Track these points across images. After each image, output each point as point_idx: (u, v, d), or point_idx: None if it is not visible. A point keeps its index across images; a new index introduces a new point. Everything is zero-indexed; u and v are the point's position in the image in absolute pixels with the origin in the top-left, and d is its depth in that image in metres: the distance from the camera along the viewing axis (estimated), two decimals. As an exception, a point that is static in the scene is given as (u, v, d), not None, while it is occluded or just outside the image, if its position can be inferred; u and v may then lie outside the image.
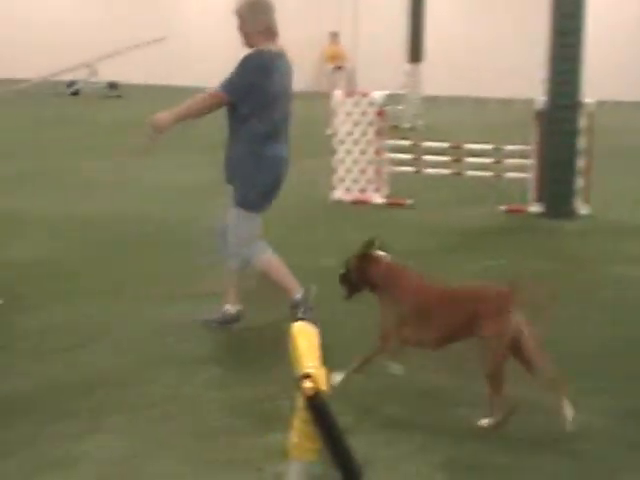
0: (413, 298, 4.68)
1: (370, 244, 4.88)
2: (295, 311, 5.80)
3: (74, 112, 18.94)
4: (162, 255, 7.71)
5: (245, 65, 5.64)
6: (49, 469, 3.97)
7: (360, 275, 4.83)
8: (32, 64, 24.18)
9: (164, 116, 5.65)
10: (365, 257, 4.84)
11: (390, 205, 10.16)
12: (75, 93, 22.67)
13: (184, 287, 6.73)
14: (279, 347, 5.15)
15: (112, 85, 22.66)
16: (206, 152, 13.53)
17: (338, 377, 4.62)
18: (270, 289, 6.01)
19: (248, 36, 5.73)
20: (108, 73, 22.79)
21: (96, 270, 7.24)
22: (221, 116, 5.82)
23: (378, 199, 10.32)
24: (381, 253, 4.88)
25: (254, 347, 5.61)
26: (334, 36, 26.44)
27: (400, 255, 7.77)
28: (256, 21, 5.69)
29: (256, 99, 5.63)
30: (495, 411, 4.42)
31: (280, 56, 5.79)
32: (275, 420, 4.37)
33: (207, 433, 4.37)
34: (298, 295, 5.87)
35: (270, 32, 5.74)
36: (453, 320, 4.59)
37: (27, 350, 5.41)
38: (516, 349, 4.42)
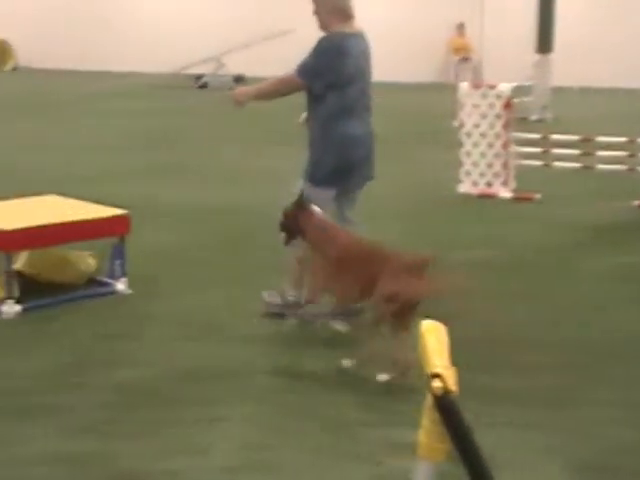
0: (335, 250, 5.06)
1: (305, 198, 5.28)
2: (276, 302, 5.85)
3: (203, 104, 19.25)
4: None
5: (317, 49, 5.71)
6: (177, 455, 4.04)
7: (294, 223, 5.24)
8: (161, 58, 24.73)
9: (244, 91, 5.95)
10: (300, 207, 5.24)
11: (517, 199, 9.98)
12: (203, 86, 23.04)
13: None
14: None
15: (239, 78, 22.91)
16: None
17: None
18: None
19: (321, 18, 5.80)
20: (235, 66, 23.08)
21: (227, 259, 7.31)
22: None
23: (505, 193, 10.16)
24: (315, 208, 5.26)
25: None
26: (460, 27, 26.18)
27: (528, 250, 7.79)
28: (327, 3, 5.75)
29: (329, 80, 5.69)
30: (393, 367, 4.74)
31: (354, 37, 5.82)
32: (396, 414, 4.38)
33: (331, 425, 4.38)
34: (291, 297, 5.83)
35: (343, 14, 5.78)
36: (362, 276, 4.89)
37: (154, 338, 5.50)
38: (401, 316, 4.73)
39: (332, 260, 5.06)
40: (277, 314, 5.86)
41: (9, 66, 26.21)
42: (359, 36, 5.88)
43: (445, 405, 2.33)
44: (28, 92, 19.74)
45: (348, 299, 5.12)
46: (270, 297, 5.95)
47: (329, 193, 5.83)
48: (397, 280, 4.75)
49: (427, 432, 2.40)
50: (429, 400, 2.36)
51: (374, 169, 6.07)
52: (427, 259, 4.89)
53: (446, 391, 2.32)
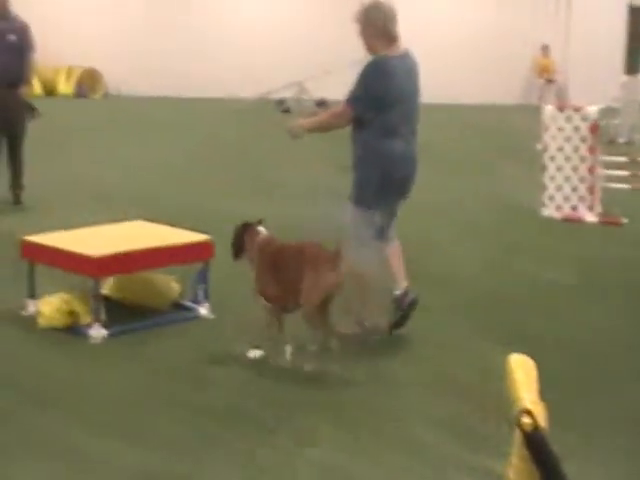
0: (259, 255, 5.57)
1: (257, 221, 5.81)
2: (354, 326, 5.90)
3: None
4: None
5: (362, 75, 5.78)
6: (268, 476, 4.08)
7: (240, 241, 5.72)
8: (245, 84, 25.02)
9: (299, 124, 6.00)
10: (244, 226, 5.77)
11: (603, 223, 9.82)
12: (286, 111, 23.20)
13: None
14: (478, 364, 5.21)
15: (321, 102, 23.02)
16: (444, 165, 13.72)
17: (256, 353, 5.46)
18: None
19: (366, 42, 5.86)
20: (317, 91, 23.22)
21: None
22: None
23: (591, 217, 10.00)
24: (260, 228, 5.71)
25: (451, 361, 5.53)
26: (545, 49, 26.00)
27: (614, 274, 7.65)
28: (371, 26, 5.81)
29: (375, 103, 5.73)
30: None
31: (399, 59, 5.85)
32: (478, 440, 4.38)
33: (415, 448, 4.37)
34: (369, 323, 5.89)
35: (387, 36, 5.83)
36: (289, 275, 5.38)
37: (238, 362, 5.50)
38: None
39: (258, 264, 5.56)
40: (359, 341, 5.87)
41: (99, 93, 26.76)
42: (405, 57, 5.92)
43: (535, 441, 2.29)
44: (118, 117, 20.13)
45: (286, 304, 5.50)
46: (347, 329, 5.91)
47: (373, 213, 5.90)
48: (318, 273, 5.23)
49: (516, 469, 2.36)
50: (518, 436, 2.32)
51: (412, 188, 6.12)
52: (339, 253, 5.26)
53: (535, 427, 2.28)
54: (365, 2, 5.88)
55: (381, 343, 5.88)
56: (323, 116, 5.97)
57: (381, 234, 6.01)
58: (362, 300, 5.97)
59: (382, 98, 5.74)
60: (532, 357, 2.65)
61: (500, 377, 4.94)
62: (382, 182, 5.84)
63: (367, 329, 5.92)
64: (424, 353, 5.72)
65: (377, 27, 5.81)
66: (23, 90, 9.86)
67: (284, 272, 5.45)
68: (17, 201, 10.04)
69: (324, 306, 5.34)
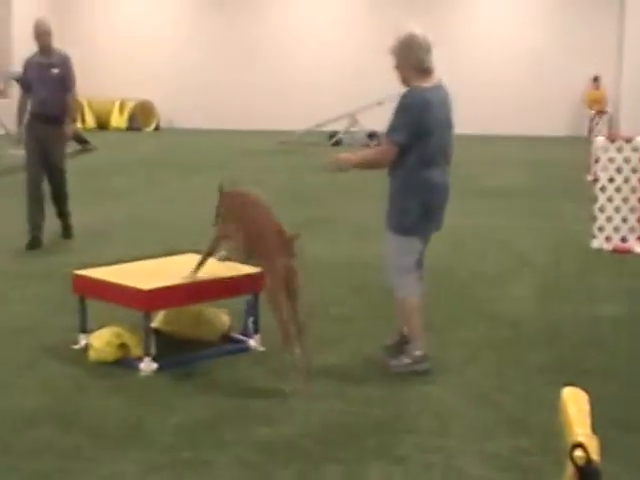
0: (225, 200, 6.13)
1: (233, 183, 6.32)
2: (403, 359, 5.97)
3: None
4: (432, 301, 7.67)
5: (400, 107, 5.87)
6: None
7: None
8: (296, 117, 25.17)
9: (346, 158, 6.05)
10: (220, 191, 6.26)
11: (655, 255, 9.73)
12: (337, 143, 23.27)
13: (453, 335, 6.72)
14: (530, 398, 5.18)
15: (372, 134, 23.07)
16: (496, 197, 13.66)
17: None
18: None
19: (402, 73, 5.97)
20: (368, 123, 23.26)
21: (364, 315, 7.31)
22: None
23: (641, 248, 9.92)
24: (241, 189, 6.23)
25: (503, 395, 5.48)
26: (596, 80, 25.86)
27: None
28: (406, 58, 5.92)
29: (414, 134, 5.82)
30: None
31: (434, 89, 5.93)
32: (531, 473, 4.33)
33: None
34: (419, 352, 5.96)
35: (422, 68, 5.92)
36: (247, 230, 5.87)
37: (290, 395, 5.48)
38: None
39: (223, 209, 6.11)
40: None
41: (152, 126, 27.04)
42: (438, 88, 5.99)
43: (588, 475, 2.27)
44: (170, 150, 20.35)
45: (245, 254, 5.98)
46: (399, 362, 6.01)
47: (415, 240, 5.99)
48: (272, 258, 5.66)
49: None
50: (571, 470, 2.30)
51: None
52: (292, 240, 5.69)
53: (589, 461, 2.26)
54: (400, 35, 5.98)
55: (432, 378, 5.85)
56: (370, 153, 6.08)
57: (419, 263, 6.11)
58: (410, 328, 6.05)
59: (420, 128, 5.82)
60: (585, 390, 2.63)
61: (553, 411, 4.91)
62: (423, 210, 5.94)
63: (417, 358, 5.97)
64: (476, 388, 5.67)
65: (412, 59, 5.92)
66: (68, 127, 9.80)
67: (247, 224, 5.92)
68: (67, 234, 10.05)
69: (287, 294, 5.65)
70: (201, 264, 6.13)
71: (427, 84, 5.91)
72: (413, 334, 6.03)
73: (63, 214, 10.05)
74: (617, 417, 5.00)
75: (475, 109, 25.59)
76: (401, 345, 6.12)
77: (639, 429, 4.96)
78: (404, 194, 5.94)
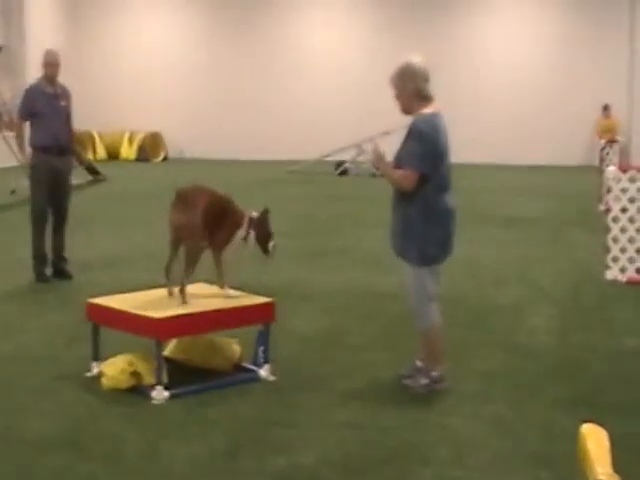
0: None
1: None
2: (420, 379, 6.08)
3: (346, 190, 19.55)
4: (448, 330, 7.64)
5: (417, 134, 5.96)
6: None
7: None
8: (303, 146, 25.25)
9: (383, 162, 6.13)
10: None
11: (670, 286, 9.69)
12: (343, 173, 23.33)
13: (470, 364, 6.71)
14: (550, 431, 5.13)
15: (379, 164, 23.11)
16: (510, 227, 13.66)
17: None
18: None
19: (403, 103, 6.09)
20: (376, 152, 23.30)
21: (375, 345, 7.30)
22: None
23: (656, 280, 9.88)
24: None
25: (525, 429, 5.45)
26: (606, 109, 25.90)
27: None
28: (406, 87, 6.03)
29: (433, 159, 5.96)
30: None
31: (437, 116, 6.06)
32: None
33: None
34: (436, 373, 6.09)
35: (422, 96, 6.04)
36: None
37: (304, 425, 5.49)
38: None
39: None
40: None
41: (160, 157, 27.18)
42: (440, 114, 6.10)
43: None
44: (179, 181, 20.35)
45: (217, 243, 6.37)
46: (415, 382, 6.09)
47: (436, 268, 6.12)
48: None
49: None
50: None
51: None
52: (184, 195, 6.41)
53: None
54: (398, 64, 6.11)
55: (449, 408, 5.84)
56: (396, 173, 6.02)
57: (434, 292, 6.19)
58: (434, 354, 6.12)
59: (435, 155, 5.96)
60: (607, 426, 2.60)
61: (573, 444, 4.89)
62: (445, 237, 6.06)
63: (435, 378, 6.07)
64: (495, 419, 5.64)
65: (412, 88, 6.03)
66: (72, 159, 9.86)
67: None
68: (68, 276, 9.72)
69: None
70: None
71: (428, 110, 6.03)
72: (437, 359, 6.11)
73: (63, 259, 9.78)
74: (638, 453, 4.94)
75: (486, 138, 25.68)
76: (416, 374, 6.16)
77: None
78: (425, 223, 5.97)
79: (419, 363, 6.16)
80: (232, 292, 6.46)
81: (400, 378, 6.23)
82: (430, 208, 5.98)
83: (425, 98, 6.05)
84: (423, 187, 5.92)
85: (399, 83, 6.06)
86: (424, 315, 6.10)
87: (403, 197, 6.04)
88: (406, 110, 6.10)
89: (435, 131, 5.98)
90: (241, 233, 6.44)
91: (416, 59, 6.11)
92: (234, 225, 6.44)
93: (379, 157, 6.16)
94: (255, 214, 6.50)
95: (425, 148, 5.92)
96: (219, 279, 6.50)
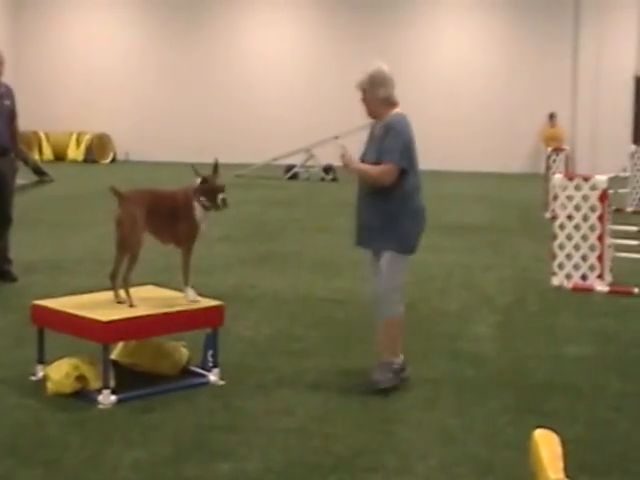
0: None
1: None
2: (378, 371, 6.27)
3: (295, 194, 19.55)
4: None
5: (396, 131, 6.18)
6: None
7: None
8: (255, 150, 25.23)
9: (355, 164, 6.25)
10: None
11: (614, 293, 9.80)
12: (293, 177, 23.36)
13: (416, 372, 6.68)
14: (494, 438, 5.15)
15: (327, 168, 23.19)
16: (455, 234, 13.73)
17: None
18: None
19: (370, 107, 6.29)
20: (324, 157, 23.40)
21: (324, 350, 7.28)
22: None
23: (601, 287, 9.99)
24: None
25: (469, 437, 5.48)
26: (552, 118, 26.22)
27: (627, 345, 7.59)
28: (375, 92, 6.24)
29: (412, 157, 6.22)
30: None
31: (407, 117, 6.33)
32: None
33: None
34: (398, 361, 6.35)
35: (390, 102, 6.28)
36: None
37: (250, 430, 5.45)
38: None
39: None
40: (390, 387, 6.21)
41: (108, 158, 27.03)
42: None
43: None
44: (126, 182, 20.21)
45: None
46: (382, 377, 6.24)
47: (409, 259, 6.39)
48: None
49: None
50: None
51: None
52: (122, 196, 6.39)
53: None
54: (368, 70, 6.28)
55: (394, 415, 5.85)
56: (374, 169, 6.15)
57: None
58: (393, 345, 6.35)
59: (412, 150, 6.23)
60: (555, 432, 2.61)
61: (517, 451, 4.91)
62: (419, 232, 6.35)
63: (397, 369, 6.31)
64: (439, 426, 5.65)
65: (382, 93, 6.24)
66: (15, 160, 9.65)
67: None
68: (12, 278, 9.54)
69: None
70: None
71: (398, 112, 6.27)
72: (395, 350, 6.32)
73: (8, 261, 9.61)
74: (585, 460, 4.95)
75: (433, 146, 25.82)
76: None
77: (608, 473, 4.92)
78: (404, 217, 6.23)
79: (384, 355, 6.34)
80: (192, 294, 6.41)
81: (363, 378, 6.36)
82: (409, 204, 6.25)
83: (393, 104, 6.28)
84: (402, 184, 6.16)
85: (369, 88, 6.24)
86: (391, 303, 6.30)
87: (381, 195, 6.21)
88: (372, 114, 6.31)
89: (410, 130, 6.23)
90: (198, 212, 6.41)
91: (384, 65, 6.32)
92: (187, 211, 6.41)
93: (349, 158, 6.23)
94: (198, 180, 6.47)
95: (404, 144, 6.15)
96: (184, 279, 6.44)
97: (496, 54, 26.74)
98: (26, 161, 18.01)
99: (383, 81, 6.24)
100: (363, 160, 6.33)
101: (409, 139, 6.21)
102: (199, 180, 6.45)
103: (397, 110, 6.28)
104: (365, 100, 6.29)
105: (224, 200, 6.44)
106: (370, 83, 6.23)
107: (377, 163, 6.17)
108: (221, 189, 6.48)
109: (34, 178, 19.73)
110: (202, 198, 6.40)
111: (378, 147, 6.20)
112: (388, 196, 6.19)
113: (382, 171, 6.13)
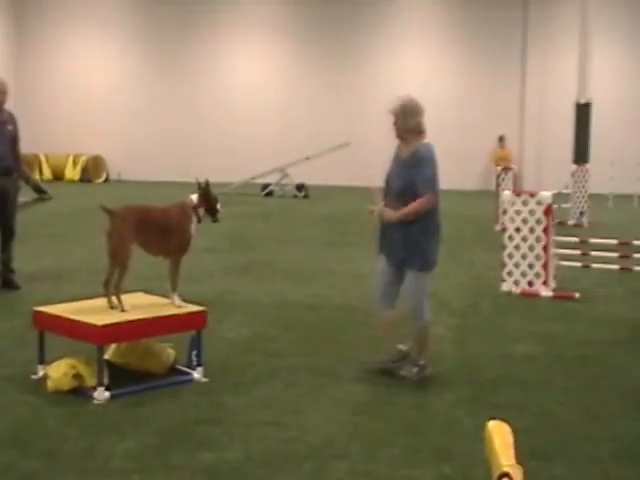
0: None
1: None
2: (411, 368, 6.43)
3: (271, 210, 19.53)
4: (361, 338, 7.65)
5: (428, 160, 6.29)
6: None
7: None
8: (235, 170, 25.18)
9: (391, 215, 6.32)
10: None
11: (558, 298, 9.86)
12: (268, 194, 23.37)
13: (380, 369, 6.71)
14: (452, 429, 5.17)
15: (300, 186, 23.21)
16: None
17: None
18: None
19: (399, 131, 6.37)
20: (297, 176, 23.45)
21: (298, 350, 7.26)
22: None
23: (546, 292, 10.05)
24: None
25: (424, 429, 5.49)
26: (501, 140, 26.41)
27: (570, 345, 7.64)
28: (407, 121, 6.32)
29: (437, 182, 6.35)
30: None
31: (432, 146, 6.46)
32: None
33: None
34: (423, 362, 6.45)
35: (418, 130, 6.35)
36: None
37: (233, 423, 5.43)
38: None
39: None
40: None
41: (102, 178, 26.92)
42: None
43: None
44: (120, 200, 20.10)
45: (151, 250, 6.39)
46: (409, 372, 6.45)
47: (434, 271, 6.51)
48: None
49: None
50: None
51: None
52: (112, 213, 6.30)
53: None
54: (401, 98, 6.38)
55: (362, 409, 5.85)
56: (414, 206, 6.23)
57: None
58: (425, 346, 6.49)
59: (438, 176, 6.36)
60: (507, 422, 2.62)
61: (473, 440, 4.93)
62: (438, 245, 6.50)
63: (423, 366, 6.44)
64: (402, 418, 5.66)
65: (414, 123, 6.33)
66: (18, 180, 9.64)
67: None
68: (16, 286, 9.49)
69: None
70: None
71: (426, 141, 6.39)
72: (425, 351, 6.46)
73: (11, 271, 9.56)
74: (535, 448, 4.98)
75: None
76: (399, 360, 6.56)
77: (556, 459, 4.94)
78: (426, 236, 6.34)
79: (402, 347, 6.53)
80: (178, 301, 6.39)
81: (385, 365, 6.58)
82: (430, 224, 6.35)
83: (421, 132, 6.36)
84: (431, 208, 6.29)
85: (400, 116, 6.31)
86: (422, 314, 6.41)
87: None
88: (401, 138, 6.40)
89: (435, 157, 6.34)
90: (194, 225, 6.46)
91: (414, 96, 6.45)
92: (184, 223, 6.43)
93: (387, 217, 6.34)
94: (194, 196, 6.50)
95: (434, 172, 6.28)
96: (172, 286, 6.42)
97: (451, 84, 26.87)
98: (27, 180, 17.92)
99: (413, 111, 6.33)
100: (388, 180, 6.45)
101: (436, 166, 6.31)
102: (196, 194, 6.48)
103: (424, 139, 6.37)
104: (396, 125, 6.35)
105: (221, 212, 6.60)
106: (402, 112, 6.31)
107: (405, 188, 6.25)
108: (217, 199, 6.59)
109: (34, 196, 19.61)
110: (201, 209, 6.45)
111: (407, 174, 6.26)
112: (425, 213, 6.30)
113: (422, 204, 6.22)
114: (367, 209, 6.56)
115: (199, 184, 6.55)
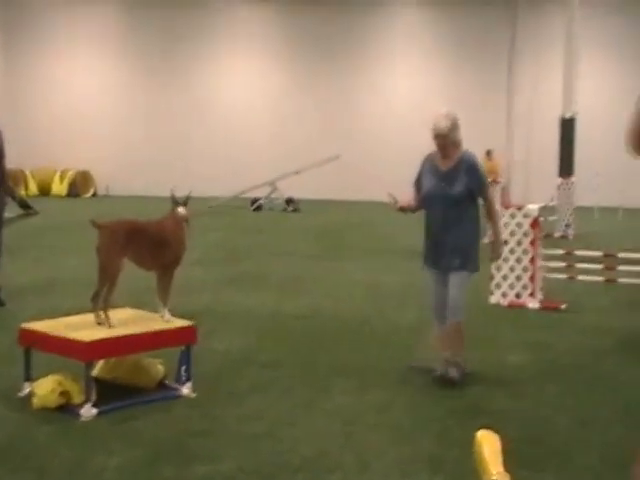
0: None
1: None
2: (451, 368, 6.56)
3: (261, 223, 19.53)
4: (353, 348, 7.67)
5: (478, 166, 6.59)
6: None
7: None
8: (225, 184, 25.21)
9: (500, 253, 6.96)
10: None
11: (545, 309, 9.87)
12: (257, 208, 23.35)
13: (373, 379, 6.69)
14: (445, 437, 5.12)
15: (289, 200, 23.22)
16: (409, 257, 13.72)
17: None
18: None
19: (448, 147, 6.54)
20: (286, 190, 23.47)
21: (291, 361, 7.23)
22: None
23: (533, 303, 10.05)
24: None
25: (417, 438, 5.46)
26: (489, 153, 26.48)
27: (557, 354, 7.64)
28: (455, 136, 6.55)
29: None
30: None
31: None
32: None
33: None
34: (460, 359, 6.62)
35: (460, 142, 6.62)
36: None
37: (223, 436, 5.38)
38: None
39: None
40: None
41: (89, 193, 26.92)
42: None
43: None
44: (107, 215, 20.07)
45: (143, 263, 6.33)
46: (453, 374, 6.57)
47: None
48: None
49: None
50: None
51: None
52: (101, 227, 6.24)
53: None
54: (443, 115, 6.55)
55: (354, 418, 5.81)
56: (493, 214, 6.64)
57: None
58: (462, 341, 6.70)
59: None
60: (495, 431, 2.60)
61: (466, 449, 4.89)
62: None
63: (462, 365, 6.63)
64: (395, 428, 5.62)
65: (458, 136, 6.58)
66: (4, 195, 9.54)
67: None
68: (0, 303, 9.38)
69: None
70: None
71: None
72: (462, 347, 6.67)
73: None
74: (525, 457, 4.93)
75: (397, 180, 26.01)
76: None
77: (546, 469, 4.89)
78: (476, 239, 6.59)
79: (447, 354, 6.59)
80: (168, 315, 6.34)
81: (431, 373, 6.67)
82: (478, 228, 6.62)
83: (460, 143, 6.58)
84: (474, 210, 6.52)
85: (451, 132, 6.49)
86: (460, 311, 6.62)
87: (468, 217, 6.51)
88: (446, 154, 6.56)
89: None
90: (186, 236, 6.50)
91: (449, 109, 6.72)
92: (180, 234, 6.45)
93: (501, 251, 6.94)
94: (181, 209, 6.54)
95: (485, 175, 6.60)
96: (163, 301, 6.37)
97: (439, 99, 26.97)
98: (13, 196, 17.85)
99: (457, 125, 6.53)
100: (432, 193, 6.59)
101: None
102: (182, 208, 6.54)
103: (463, 148, 6.57)
104: (446, 141, 6.49)
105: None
106: (453, 128, 6.48)
107: (463, 194, 6.43)
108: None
109: (20, 211, 19.55)
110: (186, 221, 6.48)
111: (462, 181, 6.44)
112: (474, 217, 6.54)
113: (494, 205, 6.61)
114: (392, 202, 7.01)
115: (173, 197, 6.54)
